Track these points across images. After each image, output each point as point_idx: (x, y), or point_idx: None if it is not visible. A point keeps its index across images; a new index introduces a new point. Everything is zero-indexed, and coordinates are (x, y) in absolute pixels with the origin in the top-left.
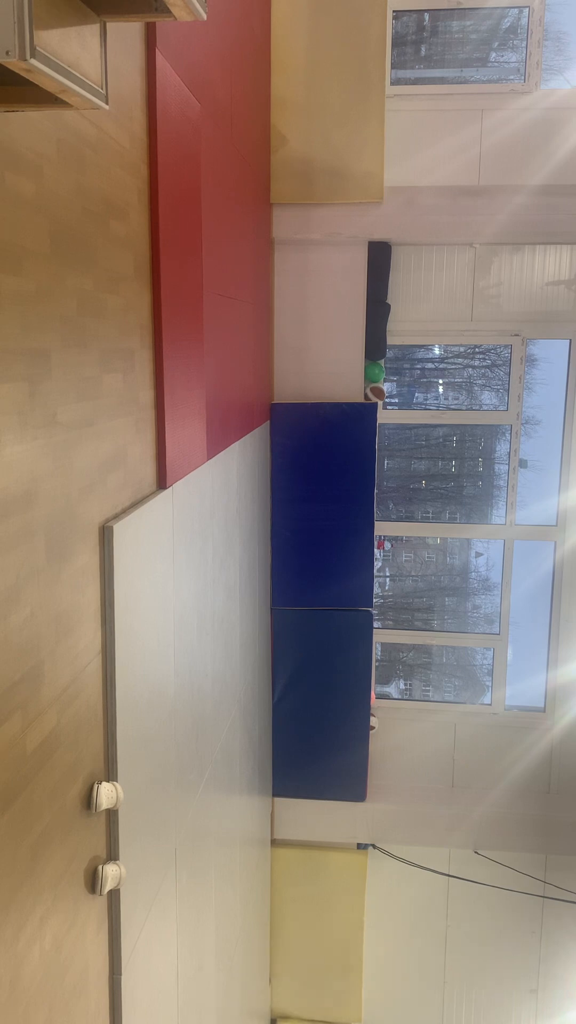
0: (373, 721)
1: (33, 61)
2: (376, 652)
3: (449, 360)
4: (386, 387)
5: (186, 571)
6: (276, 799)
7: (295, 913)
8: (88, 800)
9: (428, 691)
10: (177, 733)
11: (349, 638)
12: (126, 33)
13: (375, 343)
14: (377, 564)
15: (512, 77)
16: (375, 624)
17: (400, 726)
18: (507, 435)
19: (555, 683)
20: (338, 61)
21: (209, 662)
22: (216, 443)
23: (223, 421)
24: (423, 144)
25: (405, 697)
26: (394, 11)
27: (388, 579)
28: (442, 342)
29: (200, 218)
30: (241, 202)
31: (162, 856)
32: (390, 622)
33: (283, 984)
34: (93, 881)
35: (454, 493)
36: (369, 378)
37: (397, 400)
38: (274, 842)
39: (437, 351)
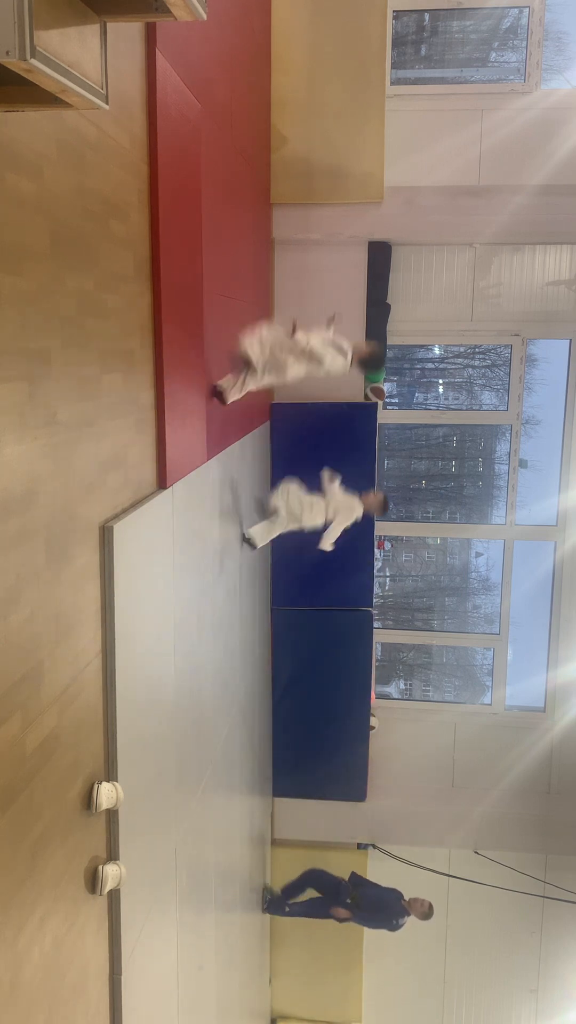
0: (373, 721)
1: (33, 61)
2: (376, 652)
3: (449, 360)
4: (386, 387)
5: (186, 571)
6: (276, 799)
7: None
8: (88, 800)
9: (428, 691)
10: (177, 733)
11: (349, 638)
12: (126, 33)
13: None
14: (377, 564)
15: (512, 77)
16: (375, 624)
17: (400, 726)
18: (507, 435)
19: (555, 683)
20: (338, 61)
21: (209, 662)
22: (216, 443)
23: (223, 421)
24: (423, 144)
25: (405, 697)
26: (394, 11)
27: (388, 579)
28: (442, 342)
29: (200, 218)
30: (241, 202)
31: (162, 856)
32: (390, 622)
33: (283, 984)
34: (93, 881)
35: (454, 493)
36: (369, 378)
37: (397, 400)
38: (274, 842)
39: (437, 351)
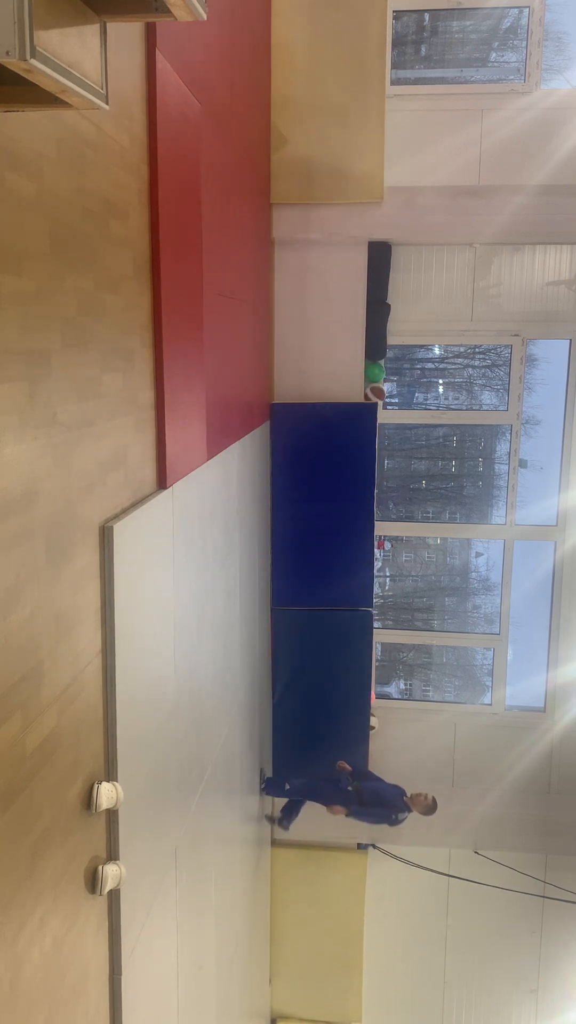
0: (373, 721)
1: (33, 61)
2: (376, 652)
3: (449, 360)
4: (386, 387)
5: (186, 571)
6: (276, 799)
7: (295, 913)
8: (88, 800)
9: (428, 691)
10: (177, 733)
11: (349, 638)
12: (126, 33)
13: (375, 343)
14: (377, 564)
15: (512, 77)
16: (375, 624)
17: (400, 726)
18: (507, 435)
19: (555, 683)
20: (338, 61)
21: (209, 662)
22: (216, 443)
23: (223, 421)
24: (423, 144)
25: (405, 697)
26: (394, 11)
27: (388, 579)
28: (442, 342)
29: (200, 218)
30: (241, 202)
31: (162, 856)
32: (390, 622)
33: (283, 984)
34: (93, 881)
35: (454, 493)
36: (369, 378)
37: (397, 400)
38: (274, 842)
39: (437, 351)
